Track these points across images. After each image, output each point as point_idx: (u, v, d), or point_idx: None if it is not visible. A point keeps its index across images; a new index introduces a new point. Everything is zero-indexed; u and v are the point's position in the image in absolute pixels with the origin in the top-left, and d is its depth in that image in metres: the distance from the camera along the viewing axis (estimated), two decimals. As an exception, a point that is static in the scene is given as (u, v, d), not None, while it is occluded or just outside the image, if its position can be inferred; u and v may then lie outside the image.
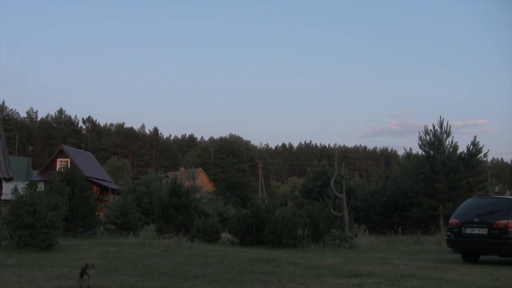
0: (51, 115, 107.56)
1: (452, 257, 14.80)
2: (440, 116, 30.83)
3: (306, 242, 19.00)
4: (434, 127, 30.18)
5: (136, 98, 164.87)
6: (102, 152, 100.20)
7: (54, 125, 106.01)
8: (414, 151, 33.45)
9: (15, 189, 15.91)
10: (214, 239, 21.97)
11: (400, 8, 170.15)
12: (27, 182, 18.57)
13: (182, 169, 78.60)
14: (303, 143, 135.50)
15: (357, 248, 18.43)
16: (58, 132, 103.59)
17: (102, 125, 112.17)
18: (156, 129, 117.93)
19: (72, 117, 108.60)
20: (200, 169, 71.98)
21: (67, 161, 49.88)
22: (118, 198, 35.33)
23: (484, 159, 30.56)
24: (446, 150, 29.67)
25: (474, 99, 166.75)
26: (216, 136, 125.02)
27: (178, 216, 25.16)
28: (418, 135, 30.53)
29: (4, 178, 19.61)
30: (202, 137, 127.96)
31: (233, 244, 20.53)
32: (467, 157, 29.49)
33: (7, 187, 22.36)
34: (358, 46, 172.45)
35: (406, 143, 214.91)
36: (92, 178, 48.12)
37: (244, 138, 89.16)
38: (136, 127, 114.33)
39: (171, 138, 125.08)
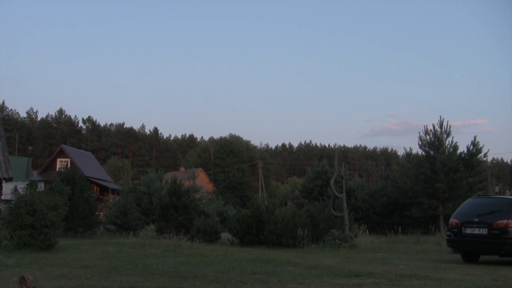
0: (51, 115, 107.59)
1: (452, 257, 14.80)
2: (440, 116, 30.88)
3: (306, 242, 19.00)
4: (434, 127, 30.21)
5: (136, 98, 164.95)
6: (102, 152, 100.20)
7: (54, 125, 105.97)
8: (414, 151, 33.49)
9: (15, 189, 15.91)
10: (214, 239, 21.96)
11: (400, 8, 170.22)
12: (27, 182, 18.58)
13: (182, 169, 78.58)
14: (303, 143, 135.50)
15: (357, 248, 18.42)
16: (58, 132, 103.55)
17: (102, 125, 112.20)
18: (156, 129, 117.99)
19: (72, 117, 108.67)
20: (200, 169, 71.96)
21: (67, 161, 49.88)
22: (118, 198, 35.30)
23: (484, 159, 30.59)
24: (446, 150, 29.67)
25: (474, 99, 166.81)
26: (216, 136, 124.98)
27: (178, 216, 25.16)
28: (418, 135, 30.59)
29: (4, 178, 19.63)
30: (202, 137, 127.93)
31: (233, 244, 20.53)
32: (467, 157, 29.50)
33: (7, 187, 22.38)
34: (358, 46, 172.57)
35: (406, 143, 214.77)
36: (92, 178, 48.12)
37: (244, 138, 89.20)
38: (136, 127, 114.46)
39: (171, 138, 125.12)
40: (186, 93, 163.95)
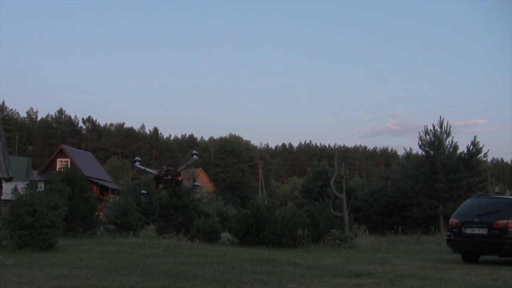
0: (51, 115, 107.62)
1: (452, 257, 14.80)
2: (440, 116, 30.81)
3: (306, 242, 19.00)
4: (434, 127, 30.15)
5: (136, 98, 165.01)
6: (102, 152, 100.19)
7: (54, 125, 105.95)
8: (414, 151, 33.42)
9: (15, 189, 15.89)
10: (214, 239, 21.97)
11: (399, 8, 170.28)
12: (27, 182, 18.57)
13: (182, 169, 78.40)
14: (303, 143, 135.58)
15: (357, 248, 18.42)
16: (58, 132, 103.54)
17: (102, 125, 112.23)
18: (156, 129, 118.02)
19: (72, 117, 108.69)
20: (200, 169, 71.94)
21: (67, 161, 49.91)
22: (118, 198, 35.31)
23: (484, 159, 30.55)
24: (446, 150, 29.63)
25: (474, 99, 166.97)
26: (216, 136, 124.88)
27: (178, 216, 25.17)
28: (418, 135, 30.50)
29: (4, 178, 19.60)
30: (202, 137, 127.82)
31: (233, 244, 20.53)
32: (467, 157, 29.47)
33: (7, 187, 22.32)
34: (358, 46, 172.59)
35: (406, 143, 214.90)
36: (92, 178, 48.14)
37: (244, 138, 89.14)
38: (136, 127, 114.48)
39: (171, 138, 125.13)
40: (186, 93, 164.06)
